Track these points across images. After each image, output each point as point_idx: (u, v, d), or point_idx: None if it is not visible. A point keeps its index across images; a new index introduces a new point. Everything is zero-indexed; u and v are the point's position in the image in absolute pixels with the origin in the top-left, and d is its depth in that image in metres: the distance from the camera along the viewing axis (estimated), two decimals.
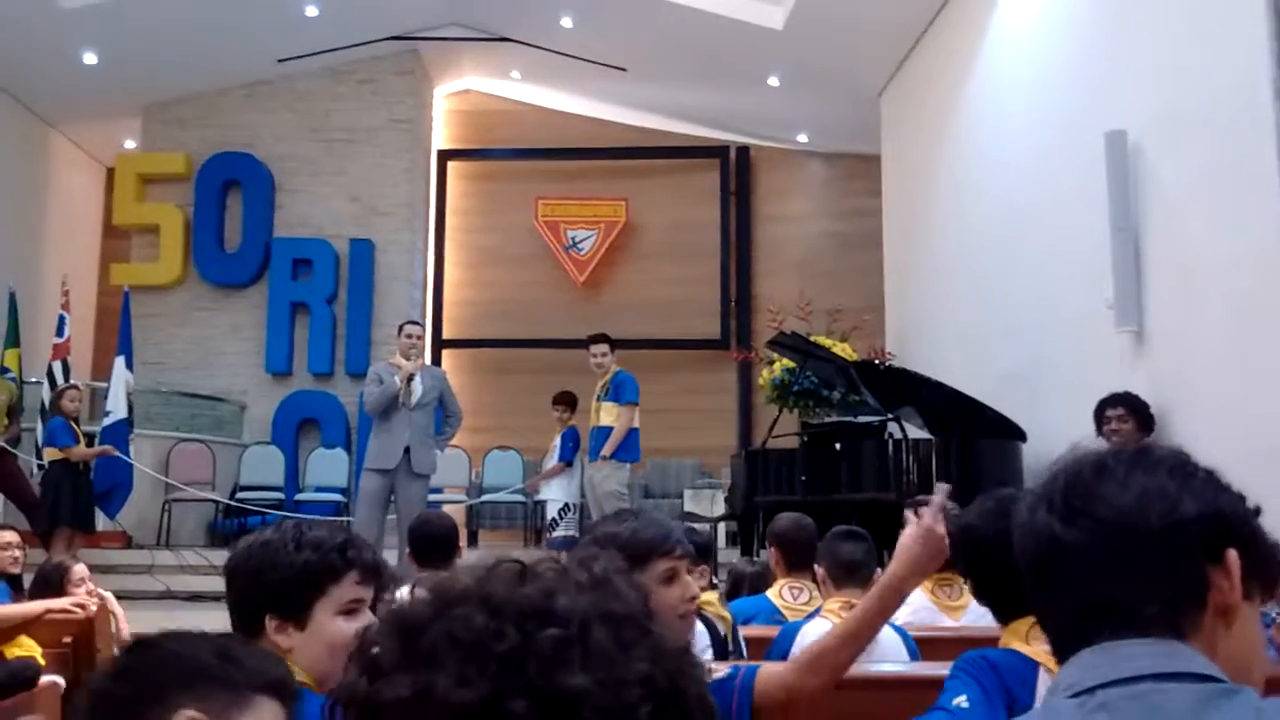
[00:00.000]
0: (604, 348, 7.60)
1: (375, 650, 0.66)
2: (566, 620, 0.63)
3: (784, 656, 2.93)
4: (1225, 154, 4.98)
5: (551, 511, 7.98)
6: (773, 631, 3.12)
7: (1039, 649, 1.76)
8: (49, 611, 4.06)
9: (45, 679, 3.77)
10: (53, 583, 4.29)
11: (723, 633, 2.99)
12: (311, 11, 10.43)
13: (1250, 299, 4.77)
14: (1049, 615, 1.09)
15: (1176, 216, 5.37)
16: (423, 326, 7.69)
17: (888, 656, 2.92)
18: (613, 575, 0.70)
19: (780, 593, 3.69)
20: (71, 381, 8.73)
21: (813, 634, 2.92)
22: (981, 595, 1.95)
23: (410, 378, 7.17)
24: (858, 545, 3.13)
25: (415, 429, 7.16)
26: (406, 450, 7.10)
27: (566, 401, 8.10)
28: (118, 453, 8.35)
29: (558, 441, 8.06)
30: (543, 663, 0.61)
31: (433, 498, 10.14)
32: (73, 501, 7.64)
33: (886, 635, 2.95)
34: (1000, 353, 7.44)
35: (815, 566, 3.31)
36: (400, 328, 7.59)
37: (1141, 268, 5.58)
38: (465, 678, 0.62)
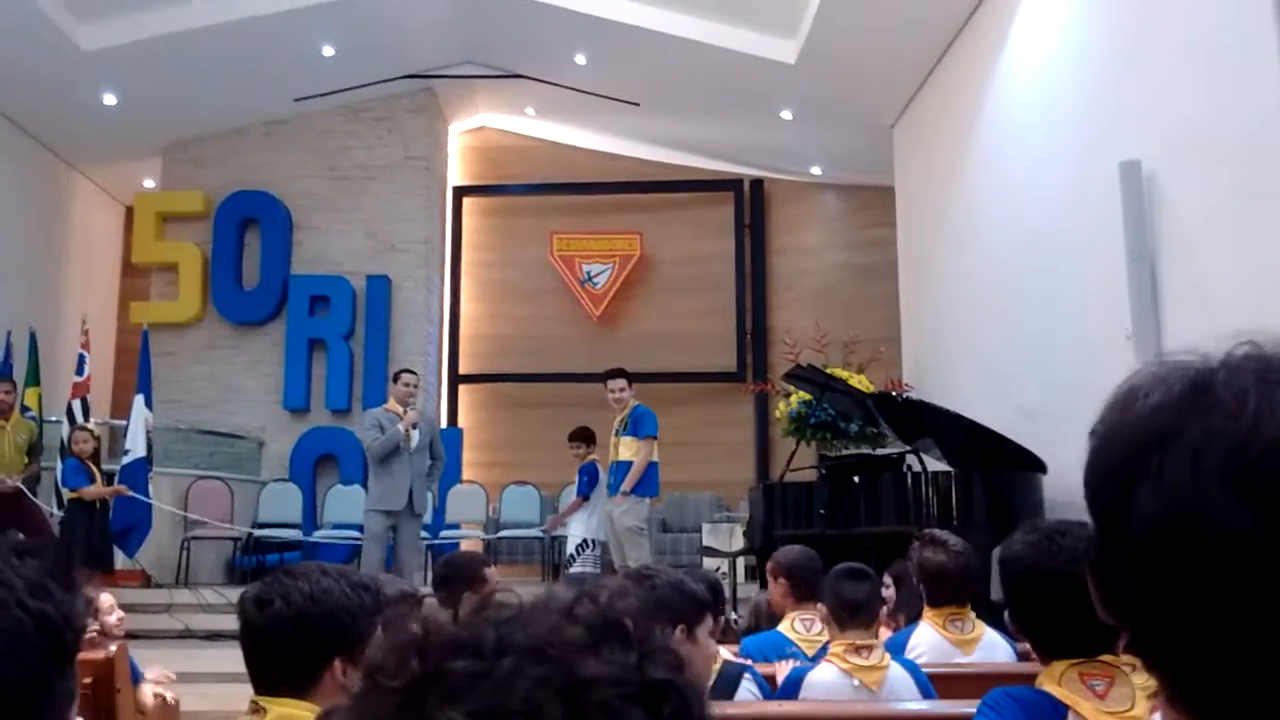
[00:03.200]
0: (621, 383, 7.60)
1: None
2: (479, 652, 0.63)
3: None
4: (1241, 182, 4.96)
5: (570, 547, 7.96)
6: (787, 667, 3.10)
7: (1071, 693, 1.74)
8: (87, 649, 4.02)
9: None
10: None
11: None
12: (328, 51, 10.55)
13: (1270, 325, 4.73)
14: None
15: (1194, 245, 5.35)
16: (418, 375, 8.13)
17: (898, 695, 2.89)
18: (576, 609, 0.67)
19: (793, 625, 3.68)
20: (83, 423, 8.76)
21: (820, 680, 2.90)
22: (1023, 630, 1.91)
23: (415, 425, 7.62)
24: (860, 585, 3.07)
25: (415, 472, 7.61)
26: (410, 492, 7.57)
27: (584, 438, 8.08)
28: (131, 493, 8.36)
29: (576, 478, 8.06)
30: (440, 694, 0.61)
31: (450, 534, 10.17)
32: (87, 541, 7.64)
33: (896, 673, 2.92)
34: (1019, 384, 7.40)
35: (819, 605, 3.28)
36: (397, 375, 7.97)
37: (1159, 297, 5.55)
38: (371, 710, 0.62)
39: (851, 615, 3.01)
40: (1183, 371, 0.68)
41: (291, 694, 1.78)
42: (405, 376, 7.83)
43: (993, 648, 3.32)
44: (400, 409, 7.63)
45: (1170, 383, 0.67)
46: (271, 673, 1.81)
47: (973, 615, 3.39)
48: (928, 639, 3.35)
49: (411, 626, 0.67)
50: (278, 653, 1.80)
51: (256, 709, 1.84)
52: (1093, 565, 0.70)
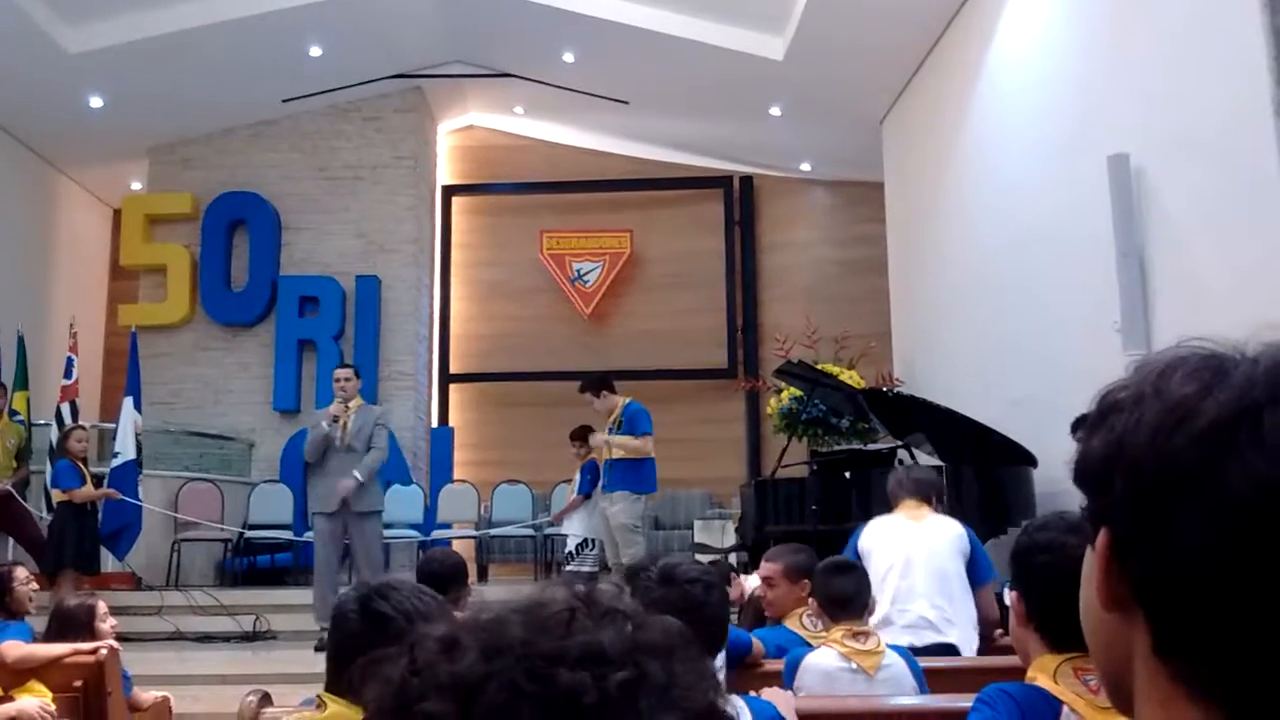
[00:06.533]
0: (588, 395, 7.60)
1: (429, 713, 0.62)
2: (624, 662, 0.62)
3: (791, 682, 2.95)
4: (1228, 176, 4.98)
5: (570, 545, 7.96)
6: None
7: (1066, 688, 1.74)
8: (77, 653, 4.00)
9: None
10: (81, 622, 4.22)
11: None
12: (315, 51, 10.52)
13: (1258, 319, 4.74)
14: None
15: (1181, 238, 5.37)
16: (352, 368, 7.72)
17: (895, 680, 2.93)
18: (639, 608, 0.68)
19: (801, 621, 3.70)
20: (75, 423, 8.72)
21: (816, 663, 2.94)
22: (1040, 619, 1.88)
23: (335, 419, 7.28)
24: (848, 579, 3.17)
25: (351, 469, 7.24)
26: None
27: (583, 437, 8.09)
28: (121, 496, 8.33)
29: (578, 476, 8.07)
30: (627, 708, 0.60)
31: (442, 533, 10.15)
32: (77, 543, 7.60)
33: (892, 660, 2.96)
34: (1008, 377, 7.42)
35: (809, 599, 3.35)
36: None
37: (1148, 290, 5.57)
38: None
39: (842, 608, 3.09)
40: (1242, 352, 0.69)
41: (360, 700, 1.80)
42: (336, 372, 7.63)
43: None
44: (341, 407, 7.34)
45: (1245, 360, 0.68)
46: (351, 677, 1.83)
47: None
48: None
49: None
50: (358, 655, 1.80)
51: (320, 704, 1.89)
52: (1137, 546, 0.67)
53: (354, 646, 1.84)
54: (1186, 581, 0.63)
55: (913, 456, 6.95)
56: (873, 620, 3.95)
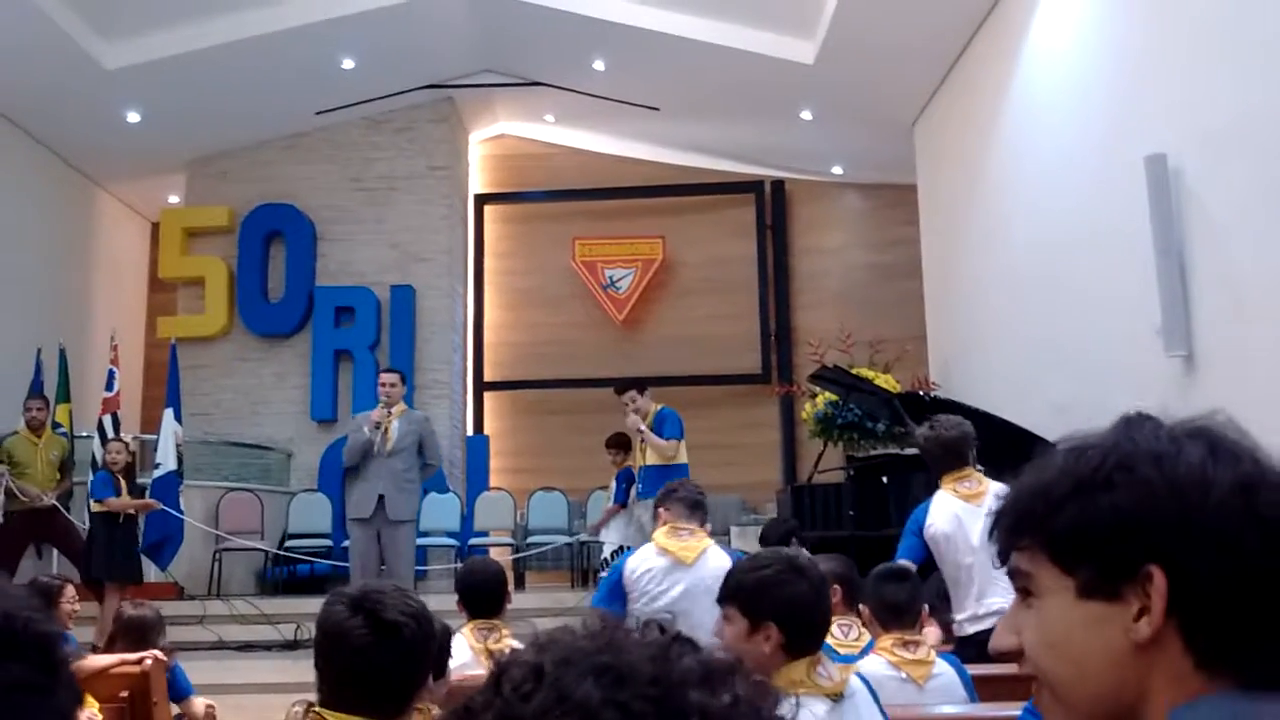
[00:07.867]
0: (632, 393, 7.44)
1: None
2: (723, 683, 0.67)
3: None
4: (1268, 174, 4.91)
5: (605, 553, 7.96)
6: None
7: None
8: (123, 663, 4.03)
9: None
10: (156, 629, 4.24)
11: None
12: (348, 64, 10.61)
13: None
14: None
15: (1221, 238, 5.31)
16: (398, 373, 7.50)
17: (945, 690, 2.90)
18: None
19: (830, 631, 3.66)
20: (117, 435, 8.81)
21: (866, 671, 2.91)
22: None
23: (377, 425, 7.08)
24: (902, 586, 3.15)
25: (390, 476, 7.02)
26: (381, 498, 7.00)
27: (620, 444, 8.07)
28: (161, 505, 8.39)
29: (613, 484, 8.06)
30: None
31: (478, 542, 10.19)
32: (107, 552, 7.57)
33: (942, 669, 2.93)
34: (1047, 381, 7.34)
35: (860, 606, 3.32)
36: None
37: (1188, 291, 5.50)
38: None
39: (895, 616, 3.07)
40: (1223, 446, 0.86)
41: (371, 714, 1.71)
42: (381, 376, 7.41)
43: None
44: (385, 413, 7.15)
45: (1238, 452, 0.85)
46: (353, 689, 1.73)
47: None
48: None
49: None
50: (376, 670, 1.71)
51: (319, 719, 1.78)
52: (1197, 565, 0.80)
53: (366, 661, 1.73)
54: (1244, 593, 0.78)
55: None
56: (960, 615, 3.96)
